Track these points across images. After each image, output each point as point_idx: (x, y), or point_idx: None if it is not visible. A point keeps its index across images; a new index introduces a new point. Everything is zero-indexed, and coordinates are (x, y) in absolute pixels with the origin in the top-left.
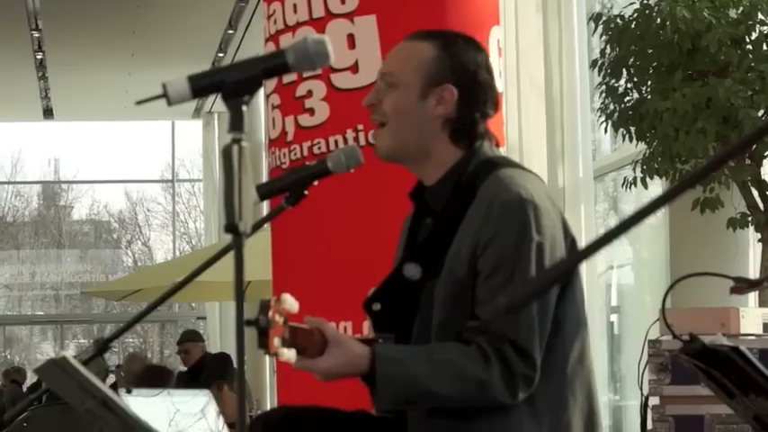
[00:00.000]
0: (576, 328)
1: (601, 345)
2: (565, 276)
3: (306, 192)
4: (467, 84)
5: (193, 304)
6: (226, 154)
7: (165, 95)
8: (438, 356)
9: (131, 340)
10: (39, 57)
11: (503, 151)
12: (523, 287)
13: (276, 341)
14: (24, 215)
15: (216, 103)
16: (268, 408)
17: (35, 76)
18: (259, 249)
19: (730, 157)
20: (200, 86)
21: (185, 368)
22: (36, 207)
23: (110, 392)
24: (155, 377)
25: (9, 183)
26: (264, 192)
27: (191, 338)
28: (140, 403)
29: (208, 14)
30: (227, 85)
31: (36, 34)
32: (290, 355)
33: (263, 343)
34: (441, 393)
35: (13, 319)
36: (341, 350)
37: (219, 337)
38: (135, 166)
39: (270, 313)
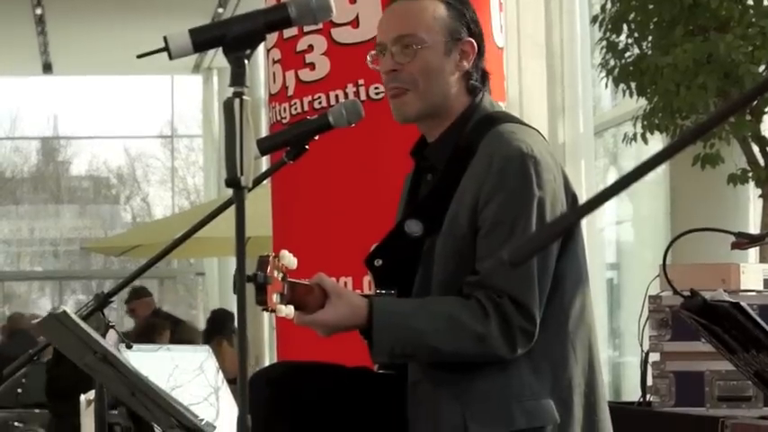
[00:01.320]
0: (576, 283)
1: (600, 301)
2: (567, 232)
3: (307, 146)
4: (478, 34)
5: (192, 260)
6: (227, 108)
7: (166, 49)
8: (436, 309)
9: None
10: (38, 12)
11: (503, 106)
12: (526, 242)
13: (275, 297)
14: (23, 171)
15: (215, 58)
16: (267, 364)
17: (34, 30)
18: (259, 205)
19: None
20: (202, 40)
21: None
22: (35, 163)
23: (110, 347)
24: (147, 331)
25: (8, 138)
26: (265, 146)
27: (136, 296)
28: (140, 358)
29: None
30: (229, 38)
31: None
32: (288, 311)
33: (262, 299)
34: (438, 346)
35: (11, 274)
36: (341, 301)
37: (218, 294)
38: (134, 121)
39: (268, 269)
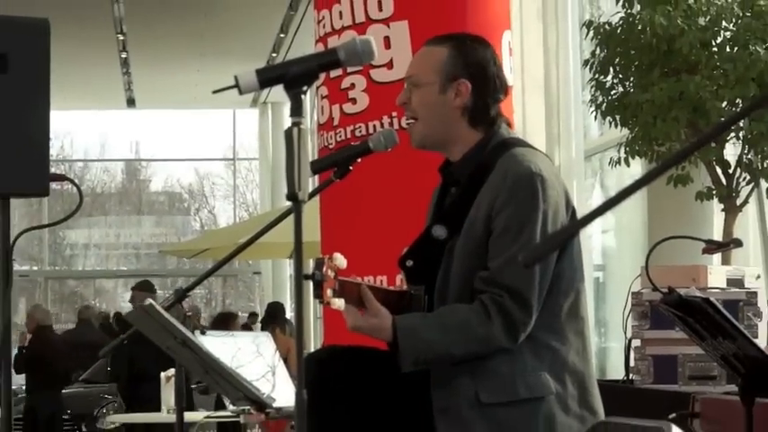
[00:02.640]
0: (571, 282)
1: (589, 297)
2: (569, 239)
3: (351, 167)
4: (478, 76)
5: (250, 261)
6: (288, 135)
7: (236, 86)
8: (447, 322)
9: (199, 291)
10: (123, 56)
11: (515, 133)
12: (536, 247)
13: (329, 292)
14: (111, 187)
15: (270, 94)
16: (312, 349)
17: (120, 72)
18: (308, 216)
19: (702, 146)
20: (266, 78)
21: None
22: (120, 181)
23: (188, 333)
24: (223, 321)
25: (98, 160)
26: (317, 167)
27: (140, 288)
28: (211, 342)
29: (263, 21)
30: (289, 77)
31: (121, 37)
32: (339, 303)
33: (318, 293)
34: (452, 353)
35: (101, 273)
36: (377, 320)
37: (272, 289)
38: (202, 147)
39: (323, 269)
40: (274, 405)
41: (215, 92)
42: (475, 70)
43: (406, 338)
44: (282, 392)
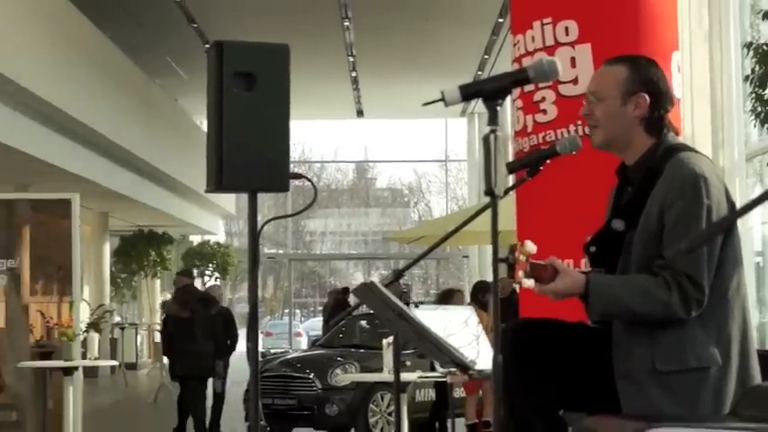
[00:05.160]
0: (734, 265)
1: (750, 279)
2: (727, 228)
3: (541, 167)
4: (653, 91)
5: (460, 247)
6: (485, 140)
7: (442, 99)
8: (634, 283)
9: (417, 272)
10: (353, 75)
11: (681, 139)
12: (698, 235)
13: (520, 273)
14: (343, 184)
15: (477, 105)
16: None
17: (350, 88)
18: (506, 208)
19: None
20: (468, 92)
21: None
22: (351, 179)
23: (404, 307)
24: (447, 296)
25: (333, 162)
26: (512, 167)
27: (182, 274)
28: (424, 315)
29: (471, 45)
30: (487, 91)
31: (351, 59)
32: (530, 283)
33: (511, 275)
34: (635, 309)
35: (335, 256)
36: (569, 277)
37: (478, 270)
38: (420, 150)
39: (516, 253)
40: (476, 368)
41: (425, 104)
42: (650, 86)
43: (597, 291)
44: (486, 358)
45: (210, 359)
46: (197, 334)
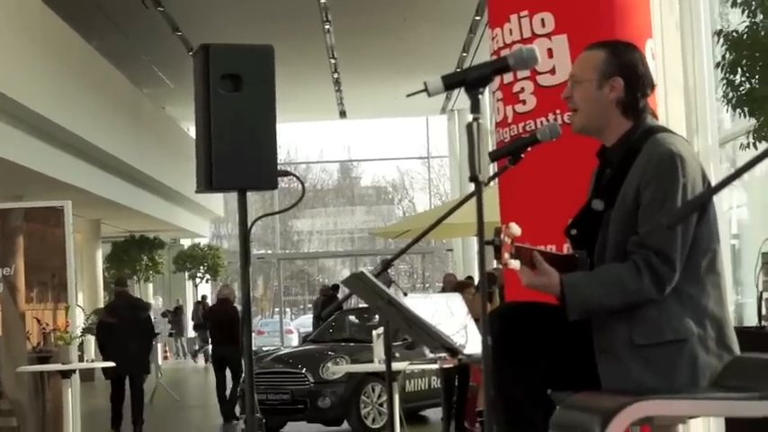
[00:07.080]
0: (708, 243)
1: (727, 261)
2: (704, 204)
3: (522, 155)
4: (629, 75)
5: (444, 240)
6: (469, 128)
7: (425, 89)
8: (605, 278)
9: (402, 266)
10: (335, 77)
11: (659, 123)
12: (678, 211)
13: (506, 255)
14: (329, 184)
15: (456, 102)
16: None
17: (333, 89)
18: (488, 200)
19: None
20: (450, 83)
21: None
22: (336, 178)
23: (393, 295)
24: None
25: (318, 162)
26: (494, 156)
27: (118, 284)
28: (413, 303)
29: (449, 43)
30: (468, 80)
31: (333, 61)
32: (515, 264)
33: (498, 256)
34: (610, 304)
35: (323, 254)
36: (546, 278)
37: (462, 263)
38: (402, 148)
39: (501, 235)
40: (465, 351)
41: (408, 95)
42: (627, 70)
43: (572, 293)
44: (474, 344)
45: (137, 359)
46: (123, 337)
